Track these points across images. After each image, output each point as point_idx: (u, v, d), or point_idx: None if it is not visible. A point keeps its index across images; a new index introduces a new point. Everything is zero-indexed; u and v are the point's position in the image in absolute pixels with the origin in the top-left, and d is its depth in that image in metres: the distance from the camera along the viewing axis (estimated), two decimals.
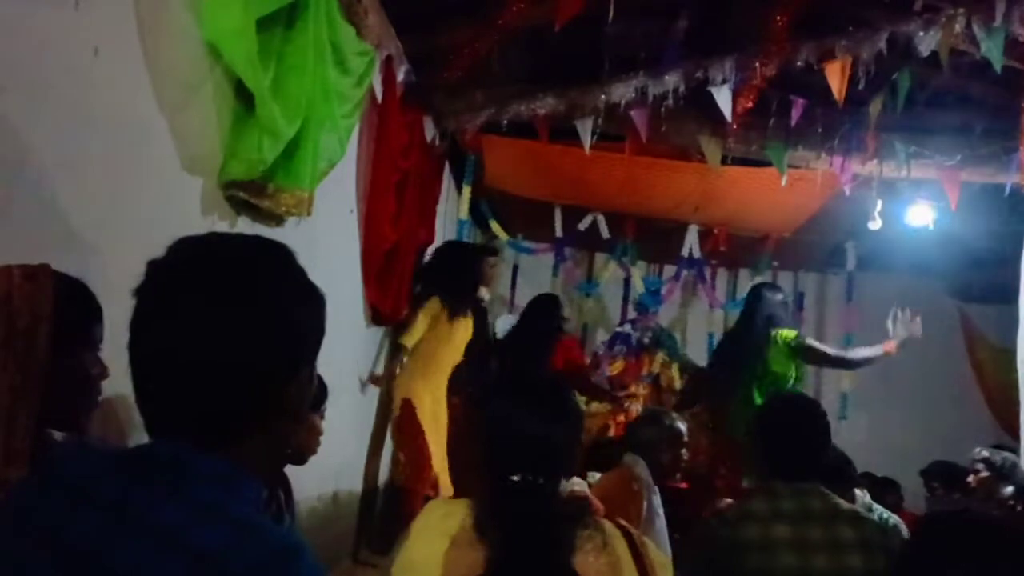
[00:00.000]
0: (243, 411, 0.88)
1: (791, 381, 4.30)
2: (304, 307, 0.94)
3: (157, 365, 0.88)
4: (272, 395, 0.89)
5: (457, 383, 4.35)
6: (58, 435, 1.41)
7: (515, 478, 1.44)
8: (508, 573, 1.33)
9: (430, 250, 4.77)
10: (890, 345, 4.13)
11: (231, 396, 0.87)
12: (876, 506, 3.77)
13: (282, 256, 0.95)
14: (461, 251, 4.60)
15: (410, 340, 4.04)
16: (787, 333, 4.30)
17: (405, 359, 4.10)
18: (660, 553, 1.43)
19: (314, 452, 2.29)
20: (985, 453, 3.62)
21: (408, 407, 3.97)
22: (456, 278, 4.24)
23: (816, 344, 4.43)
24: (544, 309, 5.00)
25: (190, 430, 0.86)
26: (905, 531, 3.65)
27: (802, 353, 4.27)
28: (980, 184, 4.42)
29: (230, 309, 0.87)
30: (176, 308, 0.87)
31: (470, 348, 4.24)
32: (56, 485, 0.88)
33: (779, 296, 4.54)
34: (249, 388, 0.88)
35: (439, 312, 4.09)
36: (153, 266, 0.89)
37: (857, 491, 3.69)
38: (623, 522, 1.47)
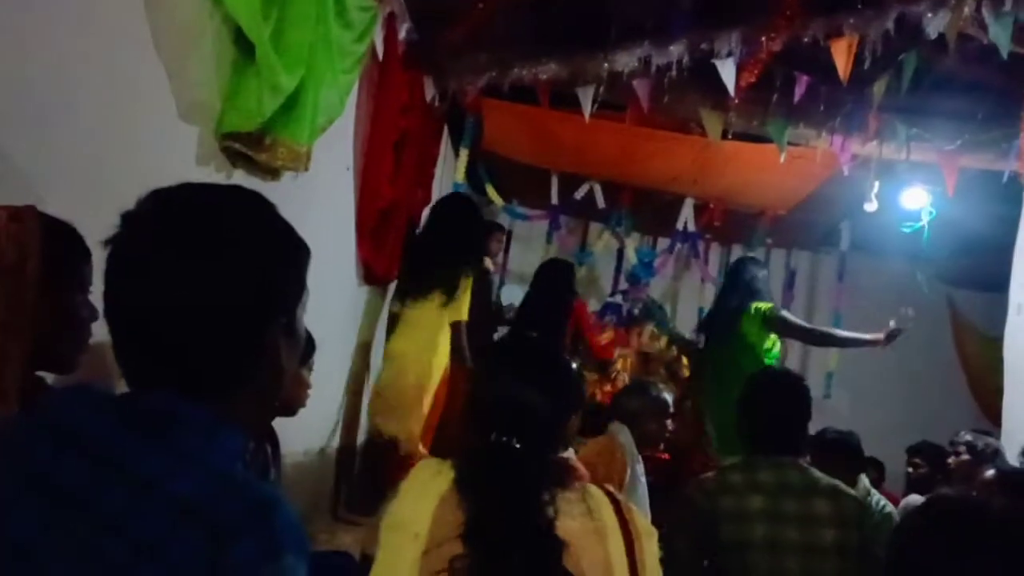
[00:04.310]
0: (219, 362, 0.89)
1: (769, 356, 4.33)
2: (279, 257, 0.94)
3: (129, 317, 0.88)
4: (248, 346, 0.90)
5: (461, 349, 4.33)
6: (48, 376, 1.42)
7: (492, 438, 1.45)
8: (483, 533, 1.34)
9: (429, 211, 4.70)
10: (879, 336, 4.12)
11: (204, 347, 0.88)
12: (874, 492, 3.82)
13: (256, 206, 0.95)
14: (477, 220, 4.42)
15: (465, 315, 3.94)
16: (762, 304, 4.33)
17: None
18: (646, 521, 1.44)
19: (303, 404, 2.31)
20: (968, 437, 3.66)
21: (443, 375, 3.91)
22: (476, 248, 4.17)
23: (790, 317, 4.46)
24: (559, 275, 4.97)
25: (166, 381, 0.87)
26: (897, 519, 3.71)
27: (772, 324, 4.29)
28: (976, 170, 4.42)
29: (199, 260, 0.87)
30: (146, 260, 0.87)
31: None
32: (47, 428, 0.88)
33: (761, 271, 4.57)
34: (222, 339, 0.88)
35: (470, 282, 4.01)
36: (125, 218, 0.90)
37: (862, 476, 3.76)
38: (611, 488, 1.47)
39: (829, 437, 3.73)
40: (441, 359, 3.90)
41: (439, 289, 3.92)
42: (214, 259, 0.88)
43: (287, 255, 0.96)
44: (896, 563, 1.38)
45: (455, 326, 3.90)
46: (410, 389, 3.84)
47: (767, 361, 4.29)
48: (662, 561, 1.42)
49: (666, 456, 4.97)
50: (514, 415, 1.47)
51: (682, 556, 2.12)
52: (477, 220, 4.32)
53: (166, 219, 0.89)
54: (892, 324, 4.06)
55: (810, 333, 4.60)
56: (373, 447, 4.07)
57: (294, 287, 0.96)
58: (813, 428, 2.56)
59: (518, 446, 1.43)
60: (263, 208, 0.95)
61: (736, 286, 4.51)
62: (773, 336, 4.34)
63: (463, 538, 1.32)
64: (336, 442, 4.16)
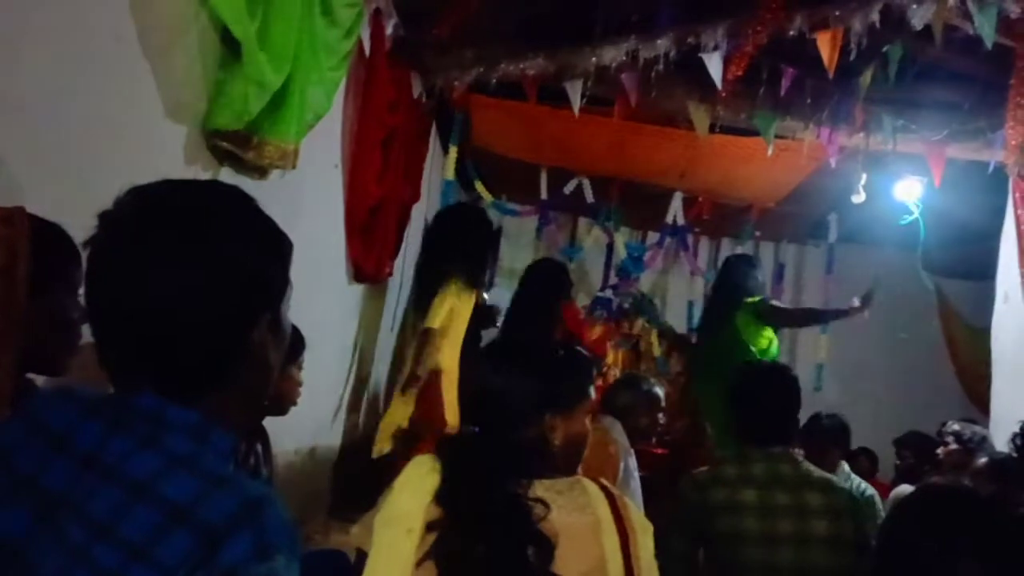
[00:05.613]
0: (205, 361, 0.88)
1: (764, 352, 4.33)
2: (261, 253, 0.92)
3: (111, 317, 0.87)
4: (233, 344, 0.89)
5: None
6: (38, 379, 1.41)
7: (475, 430, 1.47)
8: (458, 526, 1.34)
9: (429, 215, 4.66)
10: (854, 304, 4.19)
11: (189, 347, 0.86)
12: (854, 476, 3.85)
13: (236, 201, 0.93)
14: (483, 223, 4.42)
15: (437, 323, 3.92)
16: (750, 299, 4.34)
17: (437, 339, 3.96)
18: (642, 516, 1.44)
19: (294, 402, 2.30)
20: (956, 427, 3.67)
21: (437, 378, 3.90)
22: (478, 251, 4.16)
23: (778, 304, 4.61)
24: (550, 276, 4.93)
25: (151, 381, 0.86)
26: (879, 502, 3.73)
27: (767, 315, 4.31)
28: (963, 160, 4.44)
29: (180, 258, 0.85)
30: (126, 260, 0.86)
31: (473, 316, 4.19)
32: (36, 430, 0.88)
33: (752, 269, 4.55)
34: (207, 338, 0.87)
35: (461, 290, 4.01)
36: (103, 217, 0.88)
37: (843, 463, 3.79)
38: (606, 483, 1.46)
39: (814, 425, 3.78)
40: (449, 352, 3.91)
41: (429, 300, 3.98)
42: (196, 256, 0.86)
43: (270, 250, 0.94)
44: (886, 550, 1.38)
45: (422, 333, 3.93)
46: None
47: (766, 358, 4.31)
48: (657, 556, 1.42)
49: (662, 451, 4.98)
50: (481, 403, 1.51)
51: (676, 550, 2.13)
52: (482, 234, 4.31)
53: (145, 217, 0.88)
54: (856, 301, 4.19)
55: (793, 316, 4.80)
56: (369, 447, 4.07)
57: (278, 282, 0.95)
58: (804, 419, 2.58)
59: (488, 436, 1.45)
60: (244, 203, 0.94)
61: (724, 285, 4.53)
62: (769, 332, 4.32)
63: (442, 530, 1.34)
64: (328, 441, 4.15)
